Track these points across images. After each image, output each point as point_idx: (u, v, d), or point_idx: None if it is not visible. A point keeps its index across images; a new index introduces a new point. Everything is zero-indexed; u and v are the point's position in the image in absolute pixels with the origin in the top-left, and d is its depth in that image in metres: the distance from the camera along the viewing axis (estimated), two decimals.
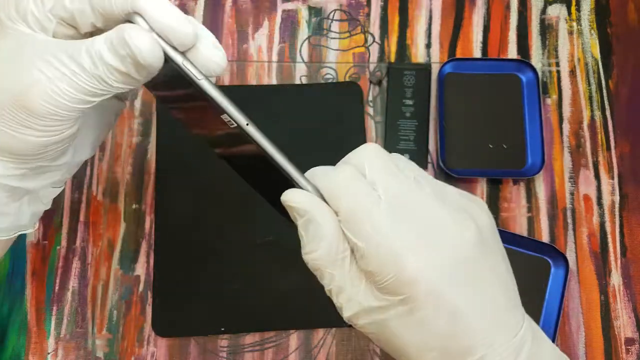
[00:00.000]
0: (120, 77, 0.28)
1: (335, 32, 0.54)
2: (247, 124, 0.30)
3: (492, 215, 0.31)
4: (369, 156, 0.30)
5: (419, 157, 0.50)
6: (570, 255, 0.48)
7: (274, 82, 0.53)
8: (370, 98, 0.52)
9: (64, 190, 0.35)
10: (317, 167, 0.31)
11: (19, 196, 0.33)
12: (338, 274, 0.29)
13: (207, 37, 0.30)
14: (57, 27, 0.29)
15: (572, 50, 0.54)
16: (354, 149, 0.31)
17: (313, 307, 0.46)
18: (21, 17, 0.29)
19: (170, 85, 0.30)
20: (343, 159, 0.31)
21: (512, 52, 0.54)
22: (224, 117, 0.29)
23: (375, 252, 0.27)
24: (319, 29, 0.54)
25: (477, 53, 0.54)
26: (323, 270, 0.29)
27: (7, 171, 0.31)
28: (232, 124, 0.29)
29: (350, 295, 0.29)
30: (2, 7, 0.29)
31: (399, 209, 0.28)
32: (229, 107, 0.29)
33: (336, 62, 0.53)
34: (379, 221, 0.28)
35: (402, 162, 0.31)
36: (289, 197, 0.30)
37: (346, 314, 0.30)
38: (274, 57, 0.53)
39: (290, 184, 0.30)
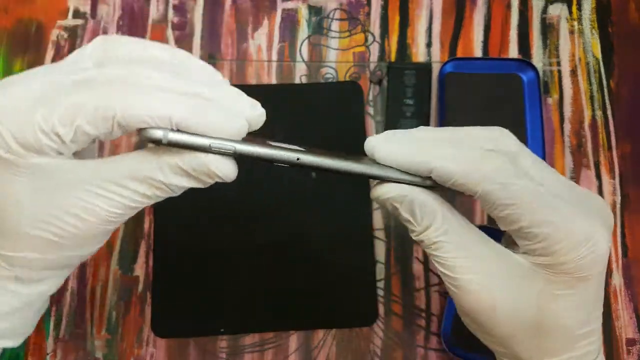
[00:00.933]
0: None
1: (335, 31, 0.54)
2: (298, 159, 0.28)
3: None
4: (517, 147, 0.30)
5: None
6: None
7: (274, 81, 0.52)
8: (370, 97, 0.52)
9: None
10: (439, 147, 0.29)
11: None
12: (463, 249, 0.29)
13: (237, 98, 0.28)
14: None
15: (573, 49, 0.54)
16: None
17: (313, 308, 0.45)
18: (34, 151, 0.25)
19: None
20: (473, 140, 0.30)
21: (513, 52, 0.54)
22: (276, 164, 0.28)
23: (563, 236, 0.27)
24: (319, 28, 0.54)
25: (478, 52, 0.54)
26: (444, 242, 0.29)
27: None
28: (284, 166, 0.28)
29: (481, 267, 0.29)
30: None
31: (563, 195, 0.29)
32: (275, 155, 0.27)
33: (336, 62, 0.53)
34: (558, 206, 0.28)
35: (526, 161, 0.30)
36: (381, 192, 0.29)
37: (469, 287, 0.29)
38: (274, 57, 0.53)
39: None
